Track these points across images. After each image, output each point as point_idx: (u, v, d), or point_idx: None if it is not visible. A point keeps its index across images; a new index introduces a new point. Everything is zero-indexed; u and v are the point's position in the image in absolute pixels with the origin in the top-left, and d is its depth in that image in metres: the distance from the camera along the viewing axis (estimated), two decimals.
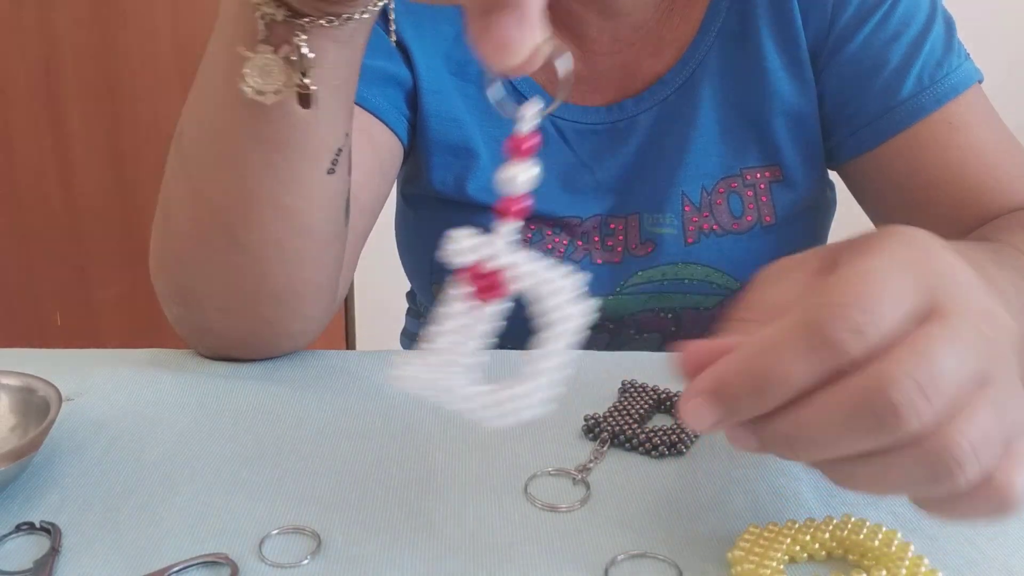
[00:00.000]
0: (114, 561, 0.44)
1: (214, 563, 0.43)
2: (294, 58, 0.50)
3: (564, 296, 0.36)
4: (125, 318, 1.95)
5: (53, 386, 0.52)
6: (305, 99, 0.51)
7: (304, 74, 0.50)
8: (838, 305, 0.34)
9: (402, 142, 0.76)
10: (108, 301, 1.94)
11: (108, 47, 1.80)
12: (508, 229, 0.36)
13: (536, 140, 0.36)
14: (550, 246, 0.77)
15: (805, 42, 0.74)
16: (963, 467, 0.34)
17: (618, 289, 0.77)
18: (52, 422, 0.49)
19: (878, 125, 0.73)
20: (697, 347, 0.38)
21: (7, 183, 1.86)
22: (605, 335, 0.79)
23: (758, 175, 0.76)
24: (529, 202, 0.36)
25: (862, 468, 0.36)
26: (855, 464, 0.36)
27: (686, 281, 0.76)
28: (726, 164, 0.76)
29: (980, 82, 0.73)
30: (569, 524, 0.47)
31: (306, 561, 0.43)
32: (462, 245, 0.36)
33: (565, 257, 0.77)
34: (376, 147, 0.73)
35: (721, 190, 0.76)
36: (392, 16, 0.55)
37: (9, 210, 1.88)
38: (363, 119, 0.72)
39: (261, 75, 0.49)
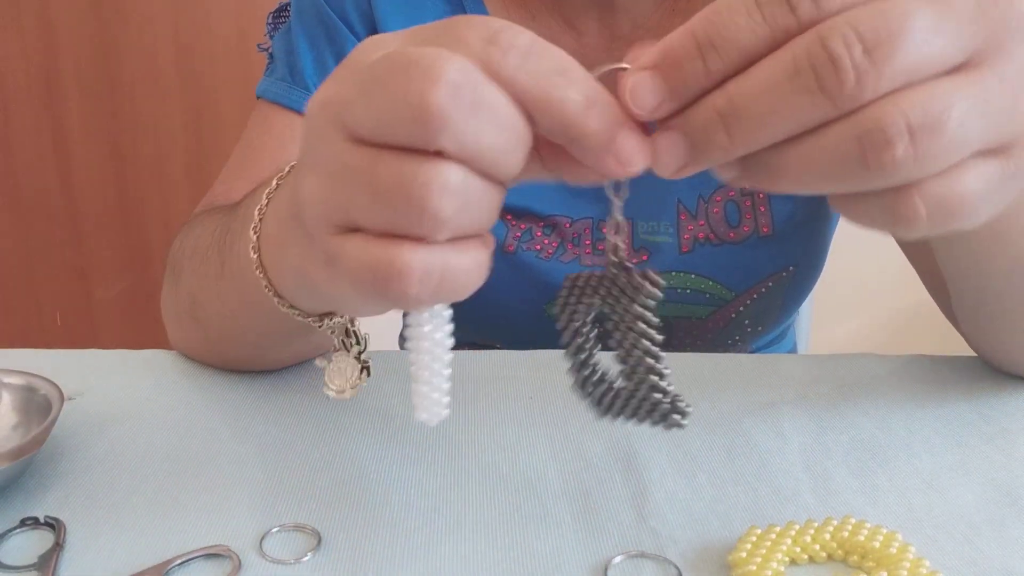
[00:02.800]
0: (118, 555, 0.44)
1: (216, 556, 0.43)
2: (352, 341, 0.51)
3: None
4: (125, 318, 1.95)
5: (55, 385, 0.52)
6: (367, 368, 0.51)
7: (361, 350, 0.50)
8: None
9: None
10: (108, 301, 1.94)
11: (108, 47, 1.80)
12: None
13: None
14: (539, 247, 0.75)
15: None
16: (889, 147, 0.30)
17: None
18: (54, 420, 0.49)
19: None
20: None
21: (7, 183, 1.86)
22: (607, 337, 0.79)
23: None
24: None
25: (791, 151, 0.32)
26: (784, 149, 0.32)
27: (679, 290, 0.75)
28: None
29: None
30: (568, 523, 0.47)
31: (306, 558, 0.44)
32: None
33: (554, 258, 0.75)
34: None
35: (718, 199, 0.74)
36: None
37: (9, 210, 1.88)
38: None
39: (339, 376, 0.50)
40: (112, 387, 0.60)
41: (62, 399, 0.51)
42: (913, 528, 0.46)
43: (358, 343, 0.50)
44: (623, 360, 0.39)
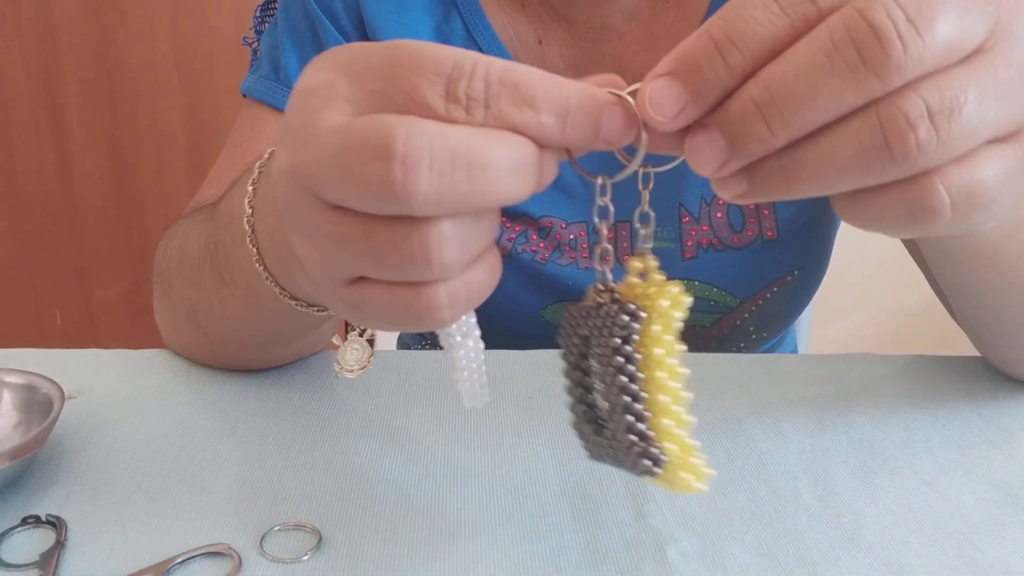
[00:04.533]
0: (119, 553, 0.44)
1: (217, 554, 0.44)
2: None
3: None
4: (125, 318, 1.95)
5: (56, 384, 0.52)
6: (371, 342, 0.52)
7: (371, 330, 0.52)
8: None
9: None
10: (108, 301, 1.94)
11: (108, 47, 1.80)
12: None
13: None
14: (534, 249, 0.74)
15: None
16: (912, 131, 0.29)
17: None
18: (55, 419, 0.49)
19: None
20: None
21: (7, 183, 1.86)
22: None
23: None
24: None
25: (811, 148, 0.31)
26: (803, 147, 0.31)
27: None
28: None
29: None
30: (568, 523, 0.47)
31: (307, 557, 0.44)
32: None
33: (550, 261, 0.74)
34: None
35: (721, 202, 0.72)
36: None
37: (9, 210, 1.88)
38: None
39: (351, 356, 0.51)
40: (113, 386, 0.61)
41: (63, 398, 0.51)
42: (913, 528, 0.46)
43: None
44: (605, 398, 0.36)
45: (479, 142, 0.32)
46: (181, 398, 0.60)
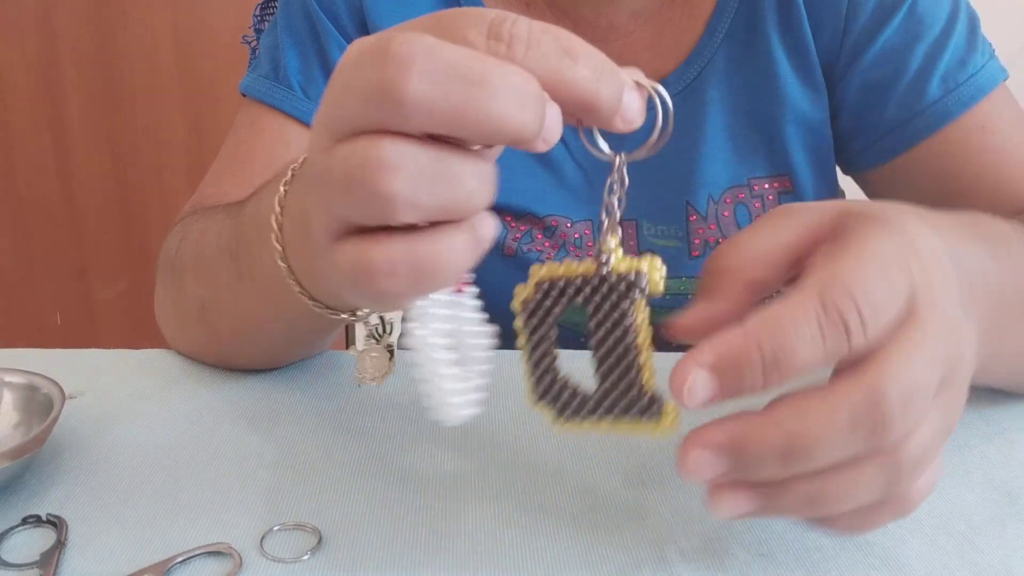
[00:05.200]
0: (119, 553, 0.44)
1: (217, 554, 0.44)
2: (382, 331, 0.51)
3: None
4: (125, 318, 1.95)
5: (56, 383, 0.52)
6: (391, 350, 0.52)
7: (389, 335, 0.51)
8: (852, 291, 0.34)
9: None
10: (108, 301, 1.94)
11: (108, 47, 1.80)
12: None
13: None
14: (539, 249, 0.74)
15: (815, 48, 0.71)
16: (913, 474, 0.36)
17: None
18: (56, 419, 0.49)
19: (903, 132, 0.70)
20: (696, 313, 0.38)
21: (7, 183, 1.86)
22: None
23: (766, 185, 0.73)
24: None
25: (832, 483, 0.36)
26: (825, 480, 0.36)
27: (688, 296, 0.73)
28: (733, 172, 0.73)
29: (1006, 79, 0.70)
30: (567, 522, 0.47)
31: (307, 556, 0.44)
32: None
33: (555, 261, 0.74)
34: None
35: (728, 201, 0.73)
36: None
37: (9, 210, 1.88)
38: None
39: (372, 365, 0.51)
40: (113, 386, 0.61)
41: (63, 398, 0.51)
42: (913, 528, 0.46)
43: (388, 333, 0.51)
44: (602, 360, 0.38)
45: (481, 60, 0.31)
46: (181, 398, 0.60)
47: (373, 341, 0.51)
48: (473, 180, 0.33)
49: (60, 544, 0.44)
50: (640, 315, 0.37)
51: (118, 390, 0.60)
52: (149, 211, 1.90)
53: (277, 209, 0.47)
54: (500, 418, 0.57)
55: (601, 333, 0.38)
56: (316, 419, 0.57)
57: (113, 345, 0.68)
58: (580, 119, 0.35)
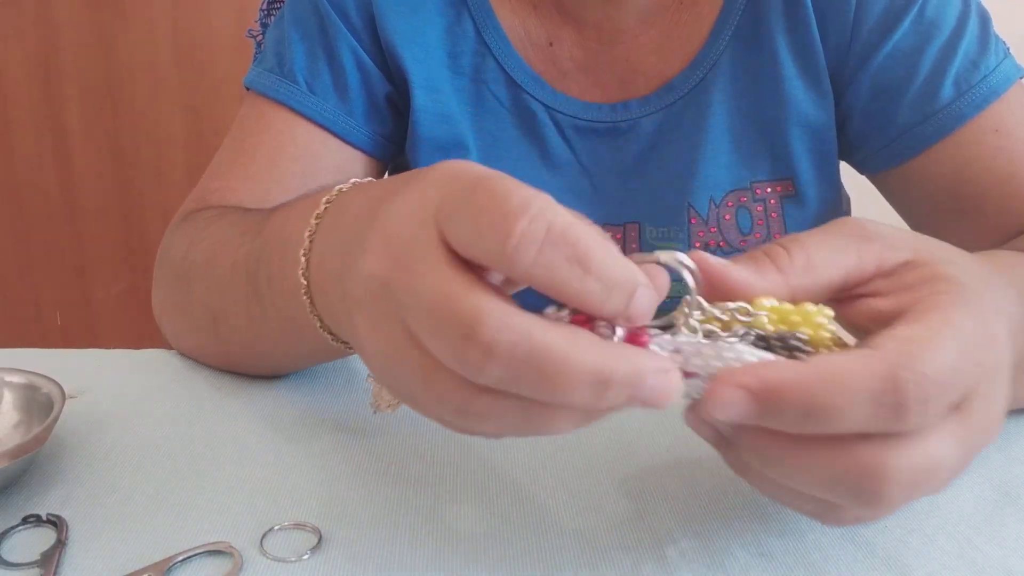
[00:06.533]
0: (119, 552, 0.44)
1: (217, 553, 0.44)
2: None
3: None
4: (125, 318, 1.95)
5: (56, 383, 0.52)
6: None
7: None
8: (923, 376, 0.33)
9: (376, 157, 0.76)
10: (108, 301, 1.94)
11: (108, 47, 1.80)
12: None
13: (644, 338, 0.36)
14: None
15: (823, 51, 0.70)
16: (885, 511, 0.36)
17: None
18: (56, 418, 0.49)
19: (916, 135, 0.69)
20: (736, 275, 0.37)
21: (7, 183, 1.87)
22: None
23: (768, 189, 0.73)
24: (647, 338, 0.36)
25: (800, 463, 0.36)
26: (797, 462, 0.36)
27: None
28: (736, 176, 0.72)
29: (1022, 78, 0.69)
30: (567, 522, 0.47)
31: (307, 556, 0.44)
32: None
33: None
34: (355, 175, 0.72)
35: (730, 204, 0.72)
36: None
37: (9, 210, 1.88)
38: (336, 146, 0.74)
39: (388, 393, 0.50)
40: (113, 386, 0.61)
41: (64, 397, 0.51)
42: (913, 528, 0.46)
43: None
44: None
45: (559, 355, 0.32)
46: (181, 397, 0.60)
47: None
48: (561, 421, 0.34)
49: (60, 544, 0.44)
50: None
51: (118, 390, 0.60)
52: (149, 211, 1.90)
53: (307, 243, 0.46)
54: None
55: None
56: (317, 419, 0.57)
57: (113, 345, 0.68)
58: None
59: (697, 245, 0.73)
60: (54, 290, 1.93)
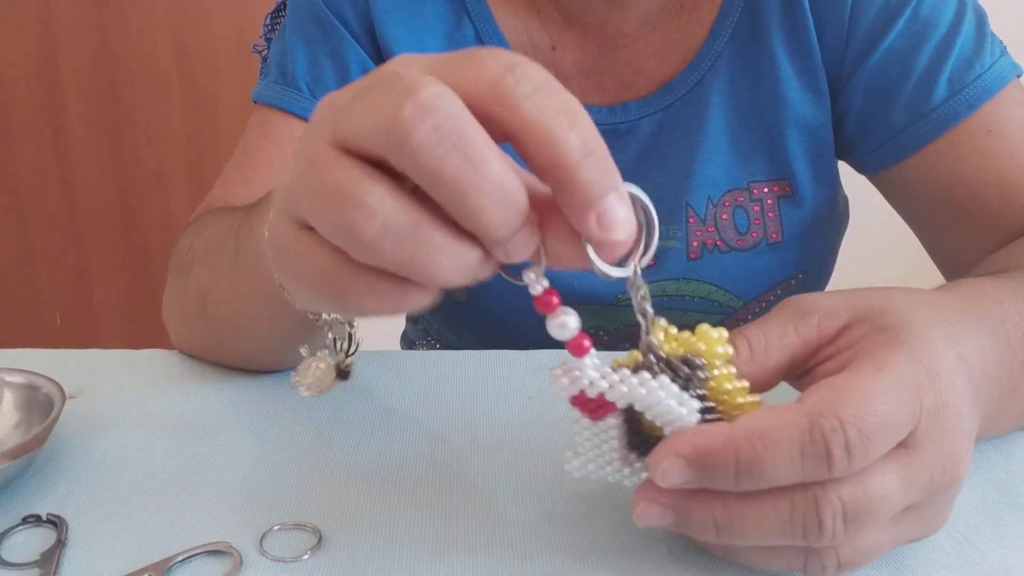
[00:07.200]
0: (119, 552, 0.44)
1: (217, 553, 0.44)
2: (340, 343, 0.51)
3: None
4: (125, 318, 1.95)
5: (56, 383, 0.52)
6: (345, 373, 0.51)
7: (347, 354, 0.51)
8: (844, 421, 0.35)
9: None
10: (108, 301, 1.94)
11: (108, 47, 1.80)
12: (591, 361, 0.39)
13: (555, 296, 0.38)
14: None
15: (819, 52, 0.70)
16: (826, 529, 0.37)
17: (616, 300, 0.74)
18: (56, 418, 0.49)
19: (910, 134, 0.69)
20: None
21: (7, 183, 1.86)
22: (598, 346, 0.78)
23: (765, 189, 0.73)
24: (589, 341, 0.39)
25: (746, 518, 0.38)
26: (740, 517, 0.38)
27: (686, 298, 0.74)
28: (733, 175, 0.73)
29: (1019, 76, 0.69)
30: (567, 522, 0.47)
31: (307, 556, 0.44)
32: (560, 384, 0.40)
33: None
34: None
35: (727, 203, 0.73)
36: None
37: (9, 210, 1.88)
38: None
39: (311, 374, 0.50)
40: (113, 386, 0.61)
41: (64, 397, 0.51)
42: None
43: (347, 347, 0.50)
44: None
45: (487, 148, 0.32)
46: (181, 398, 0.60)
47: (328, 352, 0.50)
48: (443, 257, 0.33)
49: (60, 544, 0.44)
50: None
51: (118, 390, 0.60)
52: (149, 211, 1.90)
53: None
54: (501, 419, 0.57)
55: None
56: (317, 419, 0.57)
57: (113, 345, 0.68)
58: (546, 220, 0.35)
59: (695, 244, 0.73)
60: (54, 290, 1.93)
